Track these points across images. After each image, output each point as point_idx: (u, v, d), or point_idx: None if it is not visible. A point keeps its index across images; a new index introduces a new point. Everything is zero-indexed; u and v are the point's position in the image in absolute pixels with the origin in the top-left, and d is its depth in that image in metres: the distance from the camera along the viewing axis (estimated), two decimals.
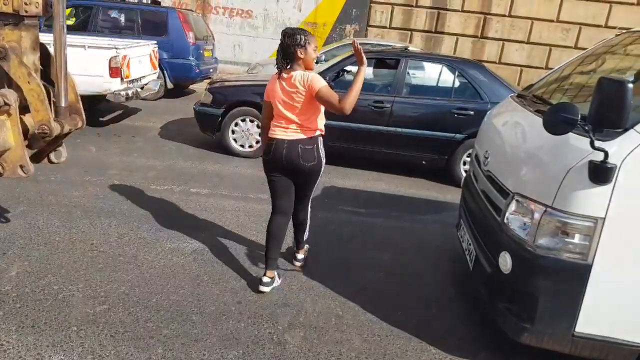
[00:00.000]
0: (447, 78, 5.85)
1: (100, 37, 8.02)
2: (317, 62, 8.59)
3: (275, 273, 3.16)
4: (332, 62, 6.27)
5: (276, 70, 2.95)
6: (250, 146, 6.05)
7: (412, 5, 12.33)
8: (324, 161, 3.04)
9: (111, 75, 6.28)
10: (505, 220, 2.43)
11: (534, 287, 2.24)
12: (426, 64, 6.30)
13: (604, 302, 2.15)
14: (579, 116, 1.96)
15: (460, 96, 5.72)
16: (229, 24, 13.16)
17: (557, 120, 2.00)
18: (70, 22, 10.66)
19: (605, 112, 1.90)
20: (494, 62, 12.04)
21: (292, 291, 3.15)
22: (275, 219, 3.11)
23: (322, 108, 2.95)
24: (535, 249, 2.20)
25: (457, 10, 12.17)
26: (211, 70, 10.50)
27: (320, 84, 2.81)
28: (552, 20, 11.77)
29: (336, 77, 5.85)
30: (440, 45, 12.48)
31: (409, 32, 12.54)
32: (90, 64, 6.19)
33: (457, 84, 5.78)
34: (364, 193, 5.24)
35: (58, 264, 3.20)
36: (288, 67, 2.88)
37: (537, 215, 2.21)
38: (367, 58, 2.90)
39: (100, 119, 7.32)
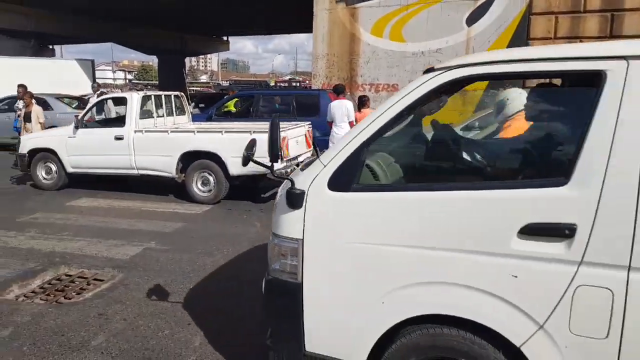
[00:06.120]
0: None
1: (262, 122, 8.86)
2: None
3: None
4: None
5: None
6: None
7: None
8: None
9: None
10: None
11: (269, 309, 2.39)
12: None
13: (321, 320, 2.17)
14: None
15: None
16: (376, 99, 13.67)
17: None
18: (233, 109, 12.08)
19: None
20: None
21: None
22: None
23: None
24: (270, 273, 2.29)
25: None
26: None
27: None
28: None
29: None
30: None
31: None
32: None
33: None
34: None
35: (232, 334, 3.40)
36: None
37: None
38: None
39: (262, 195, 7.93)
